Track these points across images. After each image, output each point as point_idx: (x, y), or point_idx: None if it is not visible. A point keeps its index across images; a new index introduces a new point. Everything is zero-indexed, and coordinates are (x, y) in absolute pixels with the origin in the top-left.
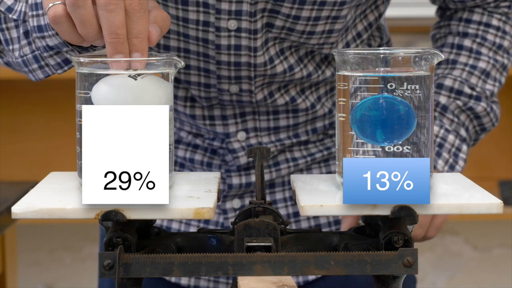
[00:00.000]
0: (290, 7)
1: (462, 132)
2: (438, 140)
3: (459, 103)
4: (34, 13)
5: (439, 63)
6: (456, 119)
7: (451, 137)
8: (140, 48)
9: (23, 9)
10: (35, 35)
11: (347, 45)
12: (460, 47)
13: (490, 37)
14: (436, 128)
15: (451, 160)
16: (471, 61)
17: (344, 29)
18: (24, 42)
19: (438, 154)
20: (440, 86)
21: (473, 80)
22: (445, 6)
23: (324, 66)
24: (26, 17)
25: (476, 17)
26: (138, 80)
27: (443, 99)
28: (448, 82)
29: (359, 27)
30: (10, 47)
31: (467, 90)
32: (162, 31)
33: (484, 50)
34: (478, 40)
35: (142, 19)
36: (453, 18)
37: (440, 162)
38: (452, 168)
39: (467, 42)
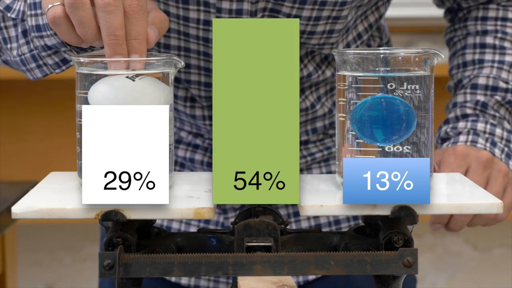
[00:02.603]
0: (291, 7)
1: (506, 125)
2: (486, 135)
3: (498, 98)
4: (33, 12)
5: (465, 65)
6: (497, 114)
7: (498, 130)
8: (139, 50)
9: (21, 8)
10: (34, 35)
11: (348, 46)
12: (483, 45)
13: (509, 30)
14: (481, 125)
15: (506, 149)
16: (497, 57)
17: (345, 30)
18: (22, 41)
19: (493, 144)
20: (474, 87)
21: (504, 74)
22: (457, 7)
23: (324, 66)
24: (25, 16)
25: (492, 14)
26: (136, 82)
27: (481, 97)
28: (481, 81)
29: (360, 28)
30: (8, 45)
31: (502, 85)
32: (160, 32)
33: (507, 44)
34: (499, 35)
35: (141, 20)
36: (468, 18)
37: (497, 151)
38: (508, 157)
39: (488, 40)
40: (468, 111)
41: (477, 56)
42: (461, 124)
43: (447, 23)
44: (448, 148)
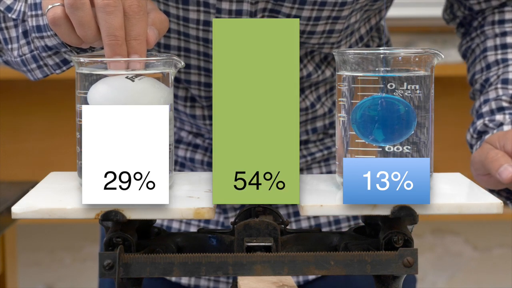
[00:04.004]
0: (291, 7)
1: None
2: None
3: None
4: (33, 13)
5: (489, 67)
6: None
7: None
8: (139, 50)
9: (22, 9)
10: (34, 35)
11: (350, 48)
12: (504, 46)
13: None
14: None
15: None
16: None
17: (349, 33)
18: (23, 41)
19: None
20: (505, 81)
21: None
22: (469, 13)
23: (324, 66)
24: (25, 16)
25: (508, 16)
26: (135, 82)
27: None
28: (511, 76)
29: (362, 31)
30: (9, 46)
31: None
32: (160, 33)
33: None
34: None
35: (141, 21)
36: (485, 24)
37: None
38: None
39: (509, 40)
40: (504, 104)
41: (499, 56)
42: (498, 117)
43: (460, 39)
44: (502, 131)
